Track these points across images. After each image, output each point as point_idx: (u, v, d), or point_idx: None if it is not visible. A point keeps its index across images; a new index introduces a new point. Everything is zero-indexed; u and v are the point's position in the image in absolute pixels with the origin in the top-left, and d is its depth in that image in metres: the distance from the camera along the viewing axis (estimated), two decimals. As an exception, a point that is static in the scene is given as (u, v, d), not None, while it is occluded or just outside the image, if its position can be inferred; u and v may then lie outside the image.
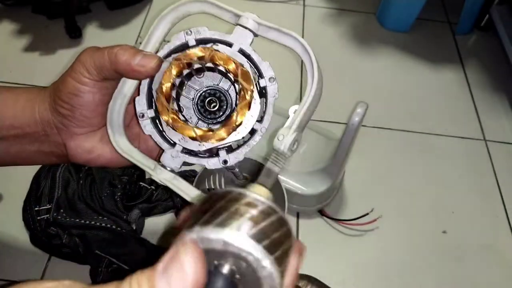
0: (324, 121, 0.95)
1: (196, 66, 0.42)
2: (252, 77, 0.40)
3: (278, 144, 0.38)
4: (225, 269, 0.22)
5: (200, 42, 0.42)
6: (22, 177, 0.72)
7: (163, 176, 0.43)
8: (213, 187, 0.70)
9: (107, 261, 0.65)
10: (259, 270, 0.21)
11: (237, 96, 0.42)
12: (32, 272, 0.68)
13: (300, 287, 0.64)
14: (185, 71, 0.42)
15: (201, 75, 0.44)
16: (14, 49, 1.02)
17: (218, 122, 0.44)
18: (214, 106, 0.44)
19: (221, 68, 0.41)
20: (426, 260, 0.78)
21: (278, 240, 0.22)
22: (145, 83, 0.43)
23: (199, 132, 0.40)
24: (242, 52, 0.41)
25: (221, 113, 0.44)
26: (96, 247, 0.65)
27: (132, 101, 0.44)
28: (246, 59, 0.41)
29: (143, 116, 0.43)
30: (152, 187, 0.74)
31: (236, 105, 0.43)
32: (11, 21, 1.08)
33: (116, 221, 0.67)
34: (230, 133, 0.41)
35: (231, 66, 0.40)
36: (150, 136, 0.43)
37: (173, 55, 0.42)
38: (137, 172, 0.76)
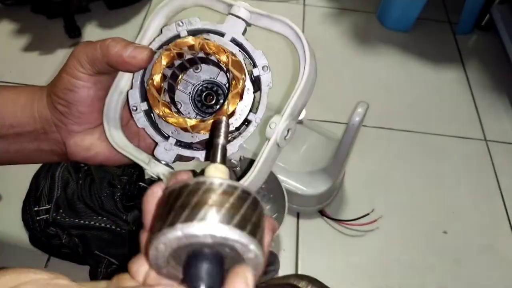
0: (324, 121, 0.95)
1: (188, 56, 0.41)
2: (244, 66, 0.40)
3: (270, 132, 0.37)
4: (210, 251, 0.23)
5: (192, 33, 0.41)
6: (22, 177, 0.72)
7: (157, 170, 0.42)
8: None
9: (107, 261, 0.65)
10: (246, 252, 0.22)
11: (229, 85, 0.42)
12: (32, 272, 0.68)
13: (300, 288, 0.64)
14: (177, 62, 0.41)
15: (198, 70, 0.44)
16: (13, 49, 1.02)
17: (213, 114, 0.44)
18: (211, 100, 0.44)
19: (212, 58, 0.40)
20: (427, 260, 0.77)
21: (257, 222, 0.23)
22: (138, 76, 0.42)
23: (191, 123, 0.40)
24: (234, 41, 0.41)
25: (218, 107, 0.44)
26: (96, 247, 0.65)
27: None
28: (238, 48, 0.41)
29: (136, 109, 0.42)
30: (152, 187, 0.74)
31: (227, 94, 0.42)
32: (11, 21, 1.08)
33: (115, 222, 0.67)
34: None
35: (223, 56, 0.39)
36: (144, 129, 0.42)
37: (164, 47, 0.41)
38: (136, 172, 0.75)
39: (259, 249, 0.22)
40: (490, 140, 0.98)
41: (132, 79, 0.43)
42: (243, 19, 0.41)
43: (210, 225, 0.21)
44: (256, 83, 0.41)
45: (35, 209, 0.68)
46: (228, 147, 0.41)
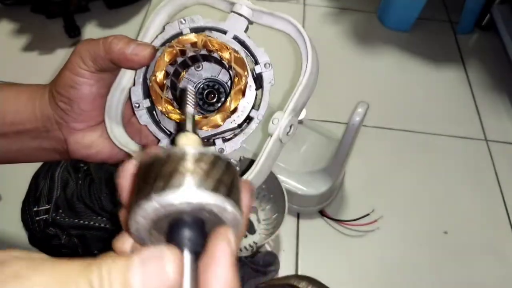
0: (324, 121, 0.95)
1: (191, 54, 0.41)
2: (246, 63, 0.40)
3: (273, 128, 0.37)
4: (189, 217, 0.23)
5: (195, 30, 0.42)
6: (21, 177, 0.71)
7: None
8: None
9: (106, 261, 0.65)
10: (224, 214, 0.23)
11: (231, 82, 0.42)
12: (31, 272, 0.68)
13: (300, 288, 0.63)
14: (179, 59, 0.41)
15: (200, 68, 0.44)
16: (13, 49, 1.02)
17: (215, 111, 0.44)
18: (213, 98, 0.44)
19: (215, 55, 0.41)
20: (427, 261, 0.77)
21: (231, 183, 0.23)
22: (140, 73, 0.42)
23: None
24: (237, 39, 0.41)
25: (219, 105, 0.44)
26: (95, 247, 0.65)
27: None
28: (240, 46, 0.41)
29: (138, 106, 0.42)
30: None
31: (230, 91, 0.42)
32: (10, 21, 1.08)
33: (115, 222, 0.67)
34: (225, 120, 0.40)
35: (225, 53, 0.39)
36: (146, 126, 0.42)
37: (167, 44, 0.41)
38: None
39: (236, 209, 0.23)
40: (490, 140, 0.97)
41: (135, 77, 0.43)
42: (245, 17, 0.41)
43: (185, 193, 0.22)
44: (258, 80, 0.41)
45: (35, 209, 0.67)
46: (230, 143, 0.41)
